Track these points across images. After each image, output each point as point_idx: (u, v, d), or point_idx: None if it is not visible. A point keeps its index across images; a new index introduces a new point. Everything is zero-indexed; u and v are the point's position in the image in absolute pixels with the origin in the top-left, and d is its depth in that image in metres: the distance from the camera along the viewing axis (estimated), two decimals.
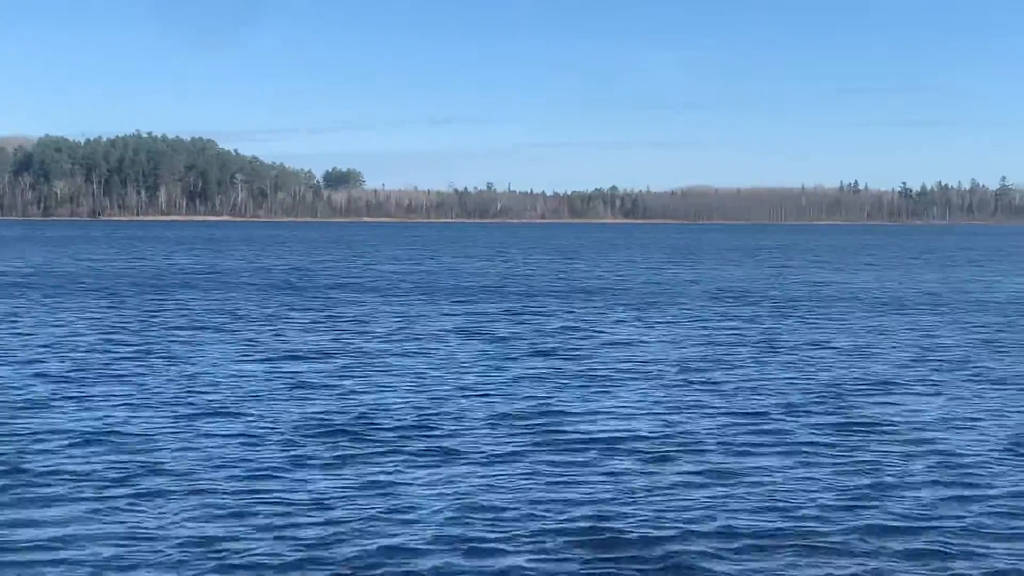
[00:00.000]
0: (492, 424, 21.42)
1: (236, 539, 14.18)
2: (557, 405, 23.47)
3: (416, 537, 14.35)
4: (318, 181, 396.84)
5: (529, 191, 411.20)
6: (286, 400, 23.79)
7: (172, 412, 22.28)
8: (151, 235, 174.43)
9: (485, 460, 18.45)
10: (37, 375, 26.81)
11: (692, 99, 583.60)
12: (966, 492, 16.64)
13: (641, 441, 20.01)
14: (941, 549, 14.05)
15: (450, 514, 15.26)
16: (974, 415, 22.67)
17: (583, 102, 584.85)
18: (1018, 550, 14.07)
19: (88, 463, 17.89)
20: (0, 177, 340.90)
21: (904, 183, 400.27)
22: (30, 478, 16.92)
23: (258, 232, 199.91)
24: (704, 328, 39.26)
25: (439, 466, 18.03)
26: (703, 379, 27.12)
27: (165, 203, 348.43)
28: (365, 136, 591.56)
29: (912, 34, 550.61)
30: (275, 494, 16.22)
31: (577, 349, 32.82)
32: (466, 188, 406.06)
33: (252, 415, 22.03)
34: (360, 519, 15.06)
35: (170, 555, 13.58)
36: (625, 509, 15.65)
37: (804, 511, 15.58)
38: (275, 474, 17.41)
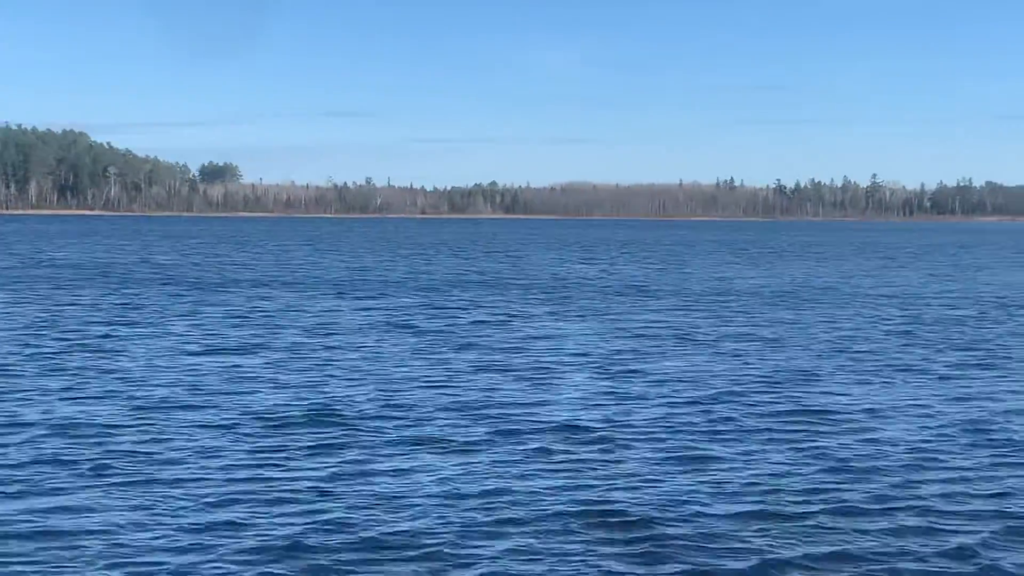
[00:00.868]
0: (439, 415, 21.80)
1: (212, 530, 14.36)
2: (506, 396, 23.92)
3: (397, 527, 14.68)
4: (194, 175, 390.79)
5: (409, 186, 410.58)
6: (232, 394, 23.83)
7: (103, 406, 22.22)
8: (28, 229, 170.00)
9: (442, 450, 18.84)
10: None
11: (571, 95, 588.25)
12: (914, 475, 17.49)
13: (591, 429, 20.56)
14: (899, 526, 14.82)
15: (426, 503, 15.61)
16: (898, 401, 23.73)
17: (463, 97, 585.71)
18: (970, 526, 14.91)
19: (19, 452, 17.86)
20: None
21: (779, 180, 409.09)
22: None
23: (134, 226, 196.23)
24: (623, 321, 40.02)
25: (407, 456, 18.37)
26: (637, 370, 27.80)
27: (35, 197, 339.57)
28: (242, 130, 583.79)
29: (786, 34, 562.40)
30: (247, 487, 16.40)
31: (506, 342, 33.29)
32: (345, 183, 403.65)
33: (198, 407, 22.08)
34: (345, 508, 15.37)
35: (132, 547, 13.69)
36: (590, 495, 16.15)
37: (766, 494, 16.27)
38: (240, 466, 17.56)
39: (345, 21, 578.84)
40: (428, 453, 18.55)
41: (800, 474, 17.42)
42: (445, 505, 15.51)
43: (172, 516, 14.82)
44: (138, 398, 23.06)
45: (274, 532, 14.23)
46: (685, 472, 17.48)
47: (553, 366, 28.42)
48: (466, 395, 23.94)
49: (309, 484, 16.50)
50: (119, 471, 17.02)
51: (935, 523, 15.00)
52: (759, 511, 15.41)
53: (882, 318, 42.26)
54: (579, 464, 17.97)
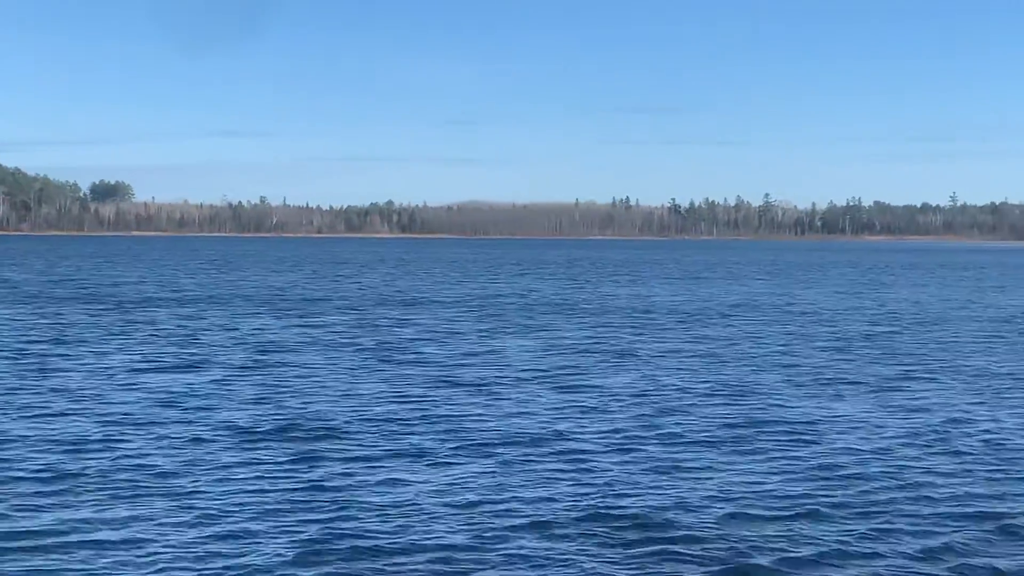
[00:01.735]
0: (408, 428, 22.25)
1: (199, 543, 14.62)
2: (465, 410, 24.42)
3: (383, 539, 15.09)
4: (85, 194, 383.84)
5: (305, 205, 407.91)
6: (193, 410, 23.97)
7: (61, 423, 22.25)
8: None
9: (419, 462, 19.28)
10: None
11: (467, 115, 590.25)
12: (867, 481, 18.36)
13: (551, 441, 21.15)
14: (858, 529, 15.53)
15: (409, 513, 16.04)
16: (840, 411, 24.73)
17: (357, 117, 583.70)
18: (926, 525, 15.80)
19: None
20: None
21: (673, 199, 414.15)
22: None
23: (25, 245, 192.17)
24: (558, 338, 40.63)
25: (387, 468, 18.77)
26: (587, 384, 28.48)
27: None
28: (134, 148, 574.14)
29: (681, 56, 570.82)
30: (218, 502, 16.68)
31: (451, 358, 33.71)
32: (240, 202, 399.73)
33: (166, 423, 22.18)
34: (330, 519, 15.73)
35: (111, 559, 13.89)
36: (566, 503, 16.74)
37: (736, 500, 17.01)
38: (213, 481, 17.83)
39: (238, 39, 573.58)
40: (405, 465, 18.97)
41: (767, 482, 18.16)
42: (431, 516, 15.93)
43: (155, 531, 15.04)
44: (90, 416, 23.04)
45: (262, 546, 14.48)
46: (658, 481, 18.11)
47: (504, 381, 28.94)
48: (429, 409, 24.38)
49: (292, 497, 16.79)
50: (92, 487, 17.18)
51: (893, 526, 15.75)
52: (730, 515, 16.10)
53: (806, 334, 43.47)
54: (553, 474, 18.50)
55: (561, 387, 27.88)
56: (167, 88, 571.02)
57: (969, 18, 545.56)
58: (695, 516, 16.02)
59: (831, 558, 14.30)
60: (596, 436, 21.61)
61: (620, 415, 23.92)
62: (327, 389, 27.09)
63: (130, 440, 20.59)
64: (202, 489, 17.07)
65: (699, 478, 18.32)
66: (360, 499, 16.66)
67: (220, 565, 13.63)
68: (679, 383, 28.89)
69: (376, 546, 14.46)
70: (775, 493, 17.35)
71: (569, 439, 21.31)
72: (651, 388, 27.91)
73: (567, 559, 14.16)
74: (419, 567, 13.77)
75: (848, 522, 15.85)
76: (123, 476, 17.80)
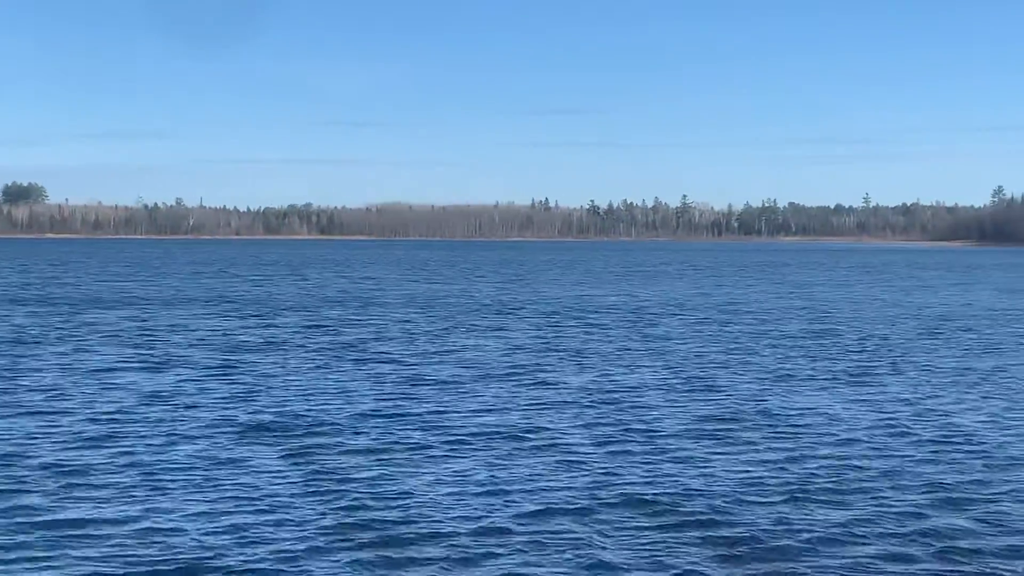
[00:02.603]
0: (385, 424, 22.63)
1: (203, 538, 14.88)
2: (438, 406, 24.90)
3: (386, 531, 15.49)
4: None
5: (222, 207, 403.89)
6: (173, 408, 24.09)
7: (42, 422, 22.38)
8: None
9: (409, 456, 19.67)
10: None
11: (386, 117, 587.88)
12: (840, 472, 19.14)
13: (519, 437, 21.65)
14: (833, 520, 16.13)
15: (401, 506, 16.46)
16: (805, 404, 25.60)
17: (276, 118, 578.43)
18: (905, 510, 16.60)
19: None
20: None
21: (592, 201, 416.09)
22: None
23: None
24: (510, 336, 41.12)
25: (381, 463, 19.13)
26: (550, 381, 29.04)
27: None
28: (46, 150, 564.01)
29: (600, 59, 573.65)
30: (210, 495, 17.01)
31: (412, 356, 34.09)
32: (156, 204, 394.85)
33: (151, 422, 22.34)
34: (328, 513, 16.15)
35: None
36: (545, 496, 17.27)
37: (719, 492, 17.71)
38: (203, 479, 18.09)
39: (150, 38, 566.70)
40: (395, 460, 19.31)
41: (751, 471, 18.86)
42: (424, 506, 16.36)
43: (148, 526, 15.28)
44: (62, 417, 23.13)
45: (258, 542, 14.73)
46: (638, 473, 18.68)
47: (469, 378, 29.41)
48: (401, 405, 24.86)
49: (291, 491, 17.08)
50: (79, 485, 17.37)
51: (876, 512, 16.47)
52: (720, 501, 16.77)
53: (754, 332, 44.41)
54: (532, 468, 18.98)
55: (523, 383, 28.58)
56: (79, 88, 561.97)
57: (880, 19, 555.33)
58: (689, 503, 16.66)
59: (818, 544, 14.87)
60: (578, 429, 22.19)
61: (594, 410, 24.51)
62: (303, 387, 27.42)
63: (121, 437, 20.72)
64: (195, 485, 17.31)
65: (685, 467, 18.96)
66: (358, 492, 17.01)
67: (218, 563, 13.81)
68: (643, 379, 29.56)
69: (379, 537, 14.80)
70: (760, 481, 18.04)
71: (552, 432, 21.88)
72: (617, 384, 28.55)
73: (564, 545, 14.64)
74: (422, 558, 14.12)
75: (832, 509, 16.54)
76: (110, 474, 17.97)
